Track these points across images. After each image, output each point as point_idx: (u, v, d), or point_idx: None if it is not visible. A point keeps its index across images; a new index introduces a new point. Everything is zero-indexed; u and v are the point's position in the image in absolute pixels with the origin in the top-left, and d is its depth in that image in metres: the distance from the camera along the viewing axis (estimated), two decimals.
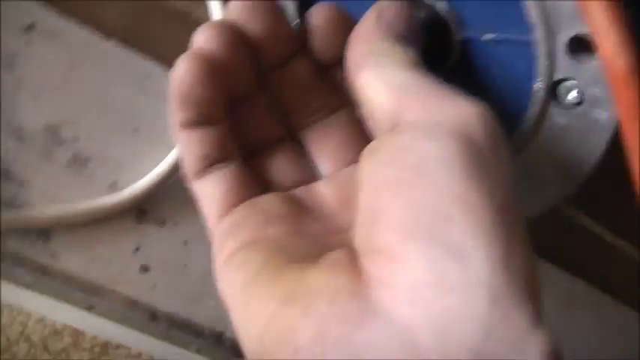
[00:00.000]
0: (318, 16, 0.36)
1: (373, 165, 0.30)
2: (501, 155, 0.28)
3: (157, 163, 0.43)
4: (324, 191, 0.36)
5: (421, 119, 0.29)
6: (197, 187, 0.35)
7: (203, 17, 0.46)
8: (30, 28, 0.42)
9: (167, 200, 0.43)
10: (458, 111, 0.29)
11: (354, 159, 0.36)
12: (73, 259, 0.41)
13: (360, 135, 0.37)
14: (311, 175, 0.37)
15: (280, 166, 0.37)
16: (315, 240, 0.33)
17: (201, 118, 0.34)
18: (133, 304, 0.42)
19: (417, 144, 0.28)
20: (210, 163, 0.34)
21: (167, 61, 0.46)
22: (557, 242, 0.58)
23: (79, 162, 0.42)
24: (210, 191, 0.35)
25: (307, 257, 0.30)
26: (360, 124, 0.36)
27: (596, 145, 0.37)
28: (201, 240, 0.44)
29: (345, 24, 0.36)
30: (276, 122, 0.37)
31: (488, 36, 0.38)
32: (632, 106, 0.26)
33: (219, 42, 0.34)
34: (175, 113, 0.34)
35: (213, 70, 0.34)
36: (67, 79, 0.43)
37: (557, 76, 0.36)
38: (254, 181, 0.36)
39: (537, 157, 0.39)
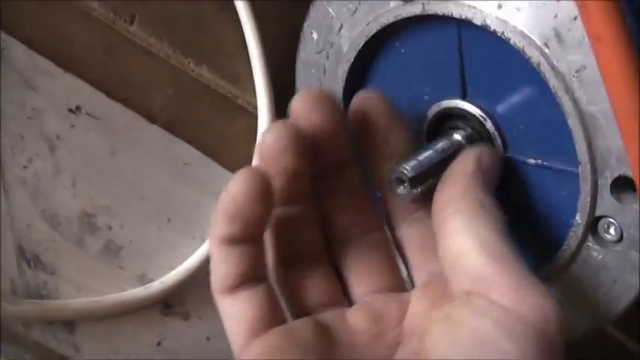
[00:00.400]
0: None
1: (449, 344, 0.31)
2: (564, 351, 0.31)
3: (188, 255, 0.43)
4: (355, 320, 0.35)
5: (509, 307, 0.30)
6: (225, 304, 0.34)
7: (248, 104, 0.47)
8: (76, 109, 0.43)
9: (193, 293, 0.43)
10: (539, 305, 0.30)
11: (386, 285, 0.37)
12: (94, 352, 0.41)
13: (394, 260, 0.37)
14: (341, 296, 0.37)
15: (313, 284, 0.36)
16: None
17: (246, 236, 0.33)
18: None
19: (498, 342, 0.30)
20: (243, 282, 0.34)
21: (208, 147, 0.46)
22: (578, 349, 0.57)
23: (110, 251, 0.42)
24: (239, 311, 0.34)
25: None
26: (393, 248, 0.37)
27: (631, 286, 0.36)
28: (224, 336, 0.43)
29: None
30: (317, 234, 0.37)
31: (534, 160, 0.38)
32: None
33: (282, 149, 0.34)
34: (219, 226, 0.33)
35: (269, 190, 0.33)
36: (107, 164, 0.43)
37: (599, 212, 0.36)
38: (281, 305, 0.35)
39: (570, 288, 0.39)
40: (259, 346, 0.33)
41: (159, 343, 0.42)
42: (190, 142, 0.45)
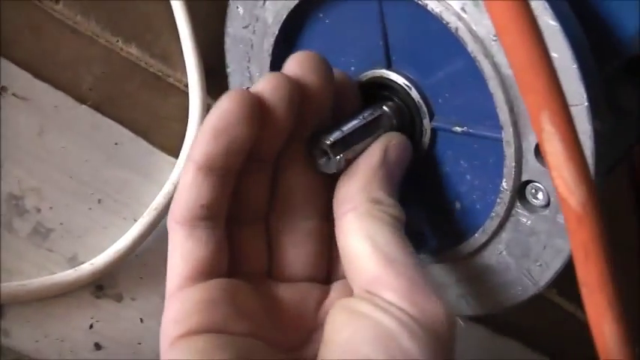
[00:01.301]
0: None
1: (351, 333, 0.31)
2: (454, 351, 0.32)
3: (119, 236, 0.42)
4: (284, 297, 0.35)
5: (403, 307, 0.31)
6: (179, 235, 0.33)
7: (179, 82, 0.46)
8: (2, 90, 0.42)
9: (125, 275, 0.43)
10: (430, 309, 0.31)
11: (316, 276, 0.37)
12: (25, 336, 0.40)
13: (330, 254, 0.37)
14: (266, 267, 0.36)
15: (247, 247, 0.36)
16: (274, 352, 0.33)
17: (224, 162, 0.33)
18: None
19: (398, 336, 0.30)
20: (204, 216, 0.33)
21: (139, 127, 0.45)
22: (528, 321, 0.58)
23: (40, 234, 0.42)
24: (190, 248, 0.33)
25: None
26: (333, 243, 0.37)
27: (560, 250, 0.36)
28: (158, 318, 0.43)
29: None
30: (266, 199, 0.36)
31: (459, 128, 0.38)
32: (582, 244, 0.25)
33: (279, 93, 0.33)
34: (201, 144, 0.32)
35: (260, 117, 0.33)
36: (35, 145, 0.43)
37: (525, 177, 0.36)
38: (228, 253, 0.35)
39: (501, 256, 0.39)
40: (198, 292, 0.33)
41: (91, 326, 0.41)
42: (121, 121, 0.45)
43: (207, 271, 0.33)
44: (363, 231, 0.33)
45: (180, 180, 0.34)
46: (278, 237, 0.37)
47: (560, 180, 0.25)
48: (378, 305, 0.31)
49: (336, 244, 0.37)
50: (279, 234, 0.37)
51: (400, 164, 0.36)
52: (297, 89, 0.34)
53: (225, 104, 0.32)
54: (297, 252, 0.36)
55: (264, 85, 0.33)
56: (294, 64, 0.35)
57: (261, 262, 0.36)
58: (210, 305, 0.33)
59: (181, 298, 0.33)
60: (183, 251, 0.33)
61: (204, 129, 0.32)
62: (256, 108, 0.32)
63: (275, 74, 0.34)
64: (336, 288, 0.37)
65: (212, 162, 0.32)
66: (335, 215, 0.35)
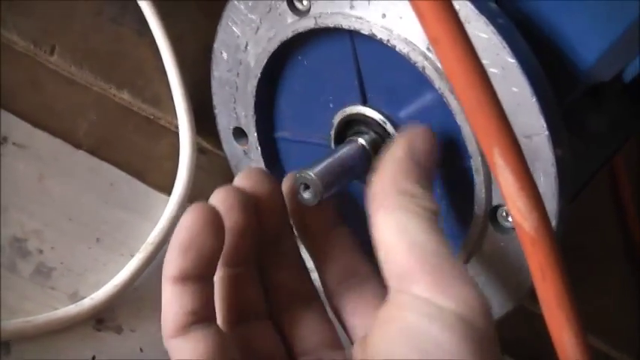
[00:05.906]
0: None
1: (384, 341, 0.32)
2: (496, 340, 0.31)
3: (117, 272, 0.45)
4: None
5: (431, 299, 0.31)
6: (175, 346, 0.34)
7: (170, 124, 0.49)
8: (3, 140, 0.45)
9: (124, 308, 0.45)
10: (461, 297, 0.31)
11: (327, 343, 0.39)
12: None
13: (334, 330, 0.39)
14: (284, 353, 0.38)
15: (258, 340, 0.37)
16: None
17: (198, 272, 0.34)
18: None
19: (428, 330, 0.30)
20: (195, 321, 0.34)
21: (133, 168, 0.48)
22: (518, 336, 0.59)
23: (42, 274, 0.44)
24: (191, 350, 0.34)
25: None
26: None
27: None
28: (157, 346, 0.45)
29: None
30: (260, 295, 0.39)
31: None
32: (539, 264, 0.27)
33: (232, 204, 0.36)
34: (172, 261, 0.34)
35: (221, 224, 0.34)
36: (36, 191, 0.45)
37: (495, 202, 0.38)
38: (232, 348, 0.36)
39: (478, 276, 0.41)
40: None
41: (93, 358, 0.43)
42: (116, 164, 0.47)
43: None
44: (392, 225, 0.33)
45: (162, 299, 0.35)
46: (283, 324, 0.39)
47: (514, 209, 0.27)
48: (402, 305, 0.31)
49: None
50: (282, 321, 0.39)
51: (428, 154, 0.36)
52: (245, 196, 0.37)
53: (189, 219, 0.34)
54: (304, 331, 0.38)
55: (217, 197, 0.37)
56: (242, 178, 0.39)
57: (278, 349, 0.38)
58: None
59: None
60: (186, 355, 0.34)
61: (172, 245, 0.34)
62: (215, 217, 0.34)
63: (224, 189, 0.37)
64: (356, 345, 0.38)
65: (185, 274, 0.34)
66: (369, 214, 0.35)
